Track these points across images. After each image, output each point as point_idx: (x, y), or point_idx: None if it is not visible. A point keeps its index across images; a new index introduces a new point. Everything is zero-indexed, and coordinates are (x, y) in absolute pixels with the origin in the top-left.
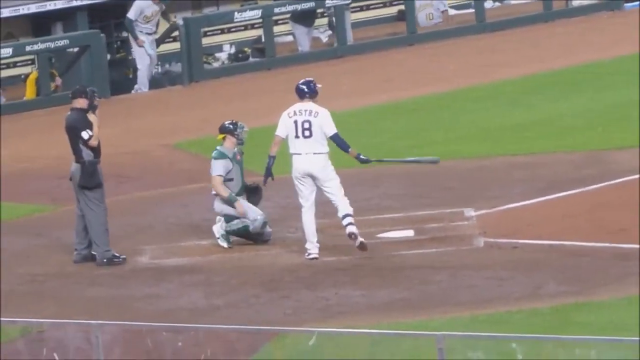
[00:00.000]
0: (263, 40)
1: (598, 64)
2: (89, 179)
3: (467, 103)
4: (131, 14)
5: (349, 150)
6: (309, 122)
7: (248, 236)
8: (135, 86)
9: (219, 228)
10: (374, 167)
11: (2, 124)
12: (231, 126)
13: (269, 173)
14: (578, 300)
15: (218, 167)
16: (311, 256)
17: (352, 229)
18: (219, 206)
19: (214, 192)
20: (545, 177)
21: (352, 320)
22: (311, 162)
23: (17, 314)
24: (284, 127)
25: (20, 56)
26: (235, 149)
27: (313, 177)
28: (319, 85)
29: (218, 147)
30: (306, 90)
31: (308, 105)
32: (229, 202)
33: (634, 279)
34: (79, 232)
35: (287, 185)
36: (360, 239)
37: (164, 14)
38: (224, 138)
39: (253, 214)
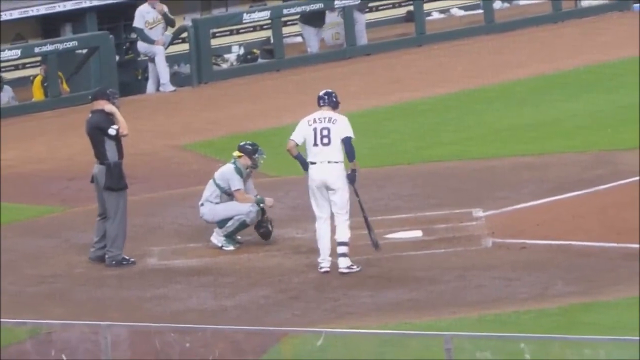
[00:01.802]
0: (272, 41)
1: (607, 65)
2: (116, 181)
3: (475, 104)
4: (137, 23)
5: (354, 160)
6: (328, 129)
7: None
8: (160, 87)
9: (217, 237)
10: (383, 168)
11: (11, 126)
12: (250, 148)
13: (305, 165)
14: (586, 300)
15: (237, 182)
16: (323, 270)
17: (343, 263)
18: (209, 214)
19: (200, 203)
20: (554, 178)
21: (360, 321)
22: (327, 171)
23: (26, 315)
24: (301, 133)
25: (29, 57)
26: (247, 170)
27: (327, 187)
28: (339, 100)
29: (235, 162)
30: (327, 99)
31: (327, 113)
32: (260, 202)
33: None
34: (99, 232)
35: (296, 186)
36: (347, 271)
37: (168, 20)
38: (240, 157)
39: (246, 207)
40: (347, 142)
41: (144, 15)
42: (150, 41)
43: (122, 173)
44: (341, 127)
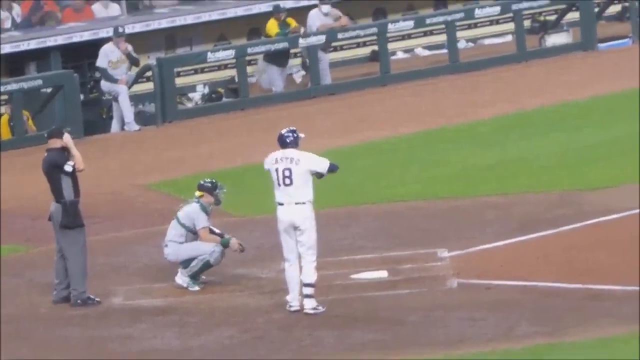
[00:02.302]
0: (236, 80)
1: (572, 104)
2: (72, 219)
3: (440, 143)
4: (100, 62)
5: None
6: (290, 170)
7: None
8: (125, 126)
9: (181, 277)
10: (348, 207)
11: None
12: (209, 185)
13: None
14: (551, 340)
15: (203, 220)
16: (293, 309)
17: (308, 304)
18: (173, 254)
19: (165, 245)
20: (519, 218)
21: None
22: (294, 212)
23: None
24: (267, 164)
25: None
26: (211, 207)
27: (295, 227)
28: (301, 135)
29: (199, 200)
30: (288, 140)
31: (289, 152)
32: (225, 245)
33: (607, 320)
34: (60, 273)
35: (261, 226)
36: (313, 312)
37: (132, 59)
38: (201, 196)
39: (209, 247)
40: (332, 168)
41: (108, 55)
42: (114, 80)
43: (78, 211)
44: (307, 166)
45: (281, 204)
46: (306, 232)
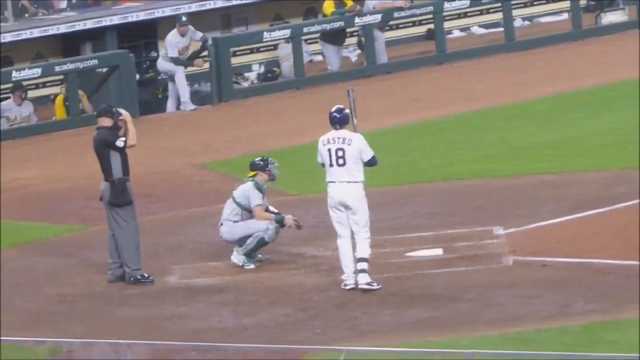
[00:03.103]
0: (292, 59)
1: (628, 83)
2: (119, 197)
3: (496, 121)
4: (171, 53)
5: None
6: (343, 150)
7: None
8: (181, 106)
9: (237, 255)
10: (404, 186)
11: (32, 144)
12: (262, 163)
13: None
14: (606, 318)
15: (258, 198)
16: (348, 287)
17: (363, 279)
18: (228, 233)
19: (220, 224)
20: (575, 196)
21: (381, 339)
22: (346, 190)
23: (47, 333)
24: (320, 155)
25: (50, 76)
26: (265, 185)
27: (346, 206)
28: (346, 111)
29: (254, 179)
30: (338, 118)
31: (341, 132)
32: (280, 221)
33: None
34: (112, 251)
35: (317, 205)
36: (367, 287)
37: (202, 39)
38: (255, 174)
39: (264, 225)
40: (371, 163)
41: (175, 45)
42: (188, 64)
43: (127, 189)
44: (358, 148)
45: (333, 182)
46: (359, 211)
